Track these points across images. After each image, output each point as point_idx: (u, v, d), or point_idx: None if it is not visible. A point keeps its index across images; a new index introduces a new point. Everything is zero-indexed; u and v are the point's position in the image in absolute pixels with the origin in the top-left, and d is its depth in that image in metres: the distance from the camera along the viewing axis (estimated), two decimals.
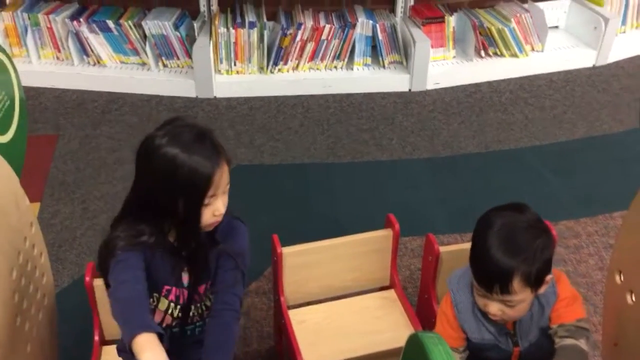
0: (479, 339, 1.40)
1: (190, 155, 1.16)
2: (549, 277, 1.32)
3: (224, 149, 1.23)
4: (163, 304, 1.31)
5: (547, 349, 1.38)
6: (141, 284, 1.19)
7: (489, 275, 1.27)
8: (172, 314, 1.32)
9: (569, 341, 1.33)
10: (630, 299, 1.43)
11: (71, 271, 2.15)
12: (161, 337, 1.09)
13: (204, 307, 1.35)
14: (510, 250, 1.25)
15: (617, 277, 1.49)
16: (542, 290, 1.32)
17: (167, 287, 1.30)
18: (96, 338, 1.59)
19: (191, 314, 1.34)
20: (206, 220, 1.23)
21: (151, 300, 1.30)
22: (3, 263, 1.24)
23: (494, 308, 1.30)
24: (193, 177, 1.16)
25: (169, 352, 1.18)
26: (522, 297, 1.28)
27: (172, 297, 1.31)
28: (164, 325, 1.33)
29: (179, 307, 1.32)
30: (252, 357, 1.89)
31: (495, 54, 3.40)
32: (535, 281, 1.27)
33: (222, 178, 1.20)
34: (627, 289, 1.44)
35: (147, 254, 1.24)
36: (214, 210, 1.22)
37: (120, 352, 1.40)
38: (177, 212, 1.19)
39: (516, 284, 1.25)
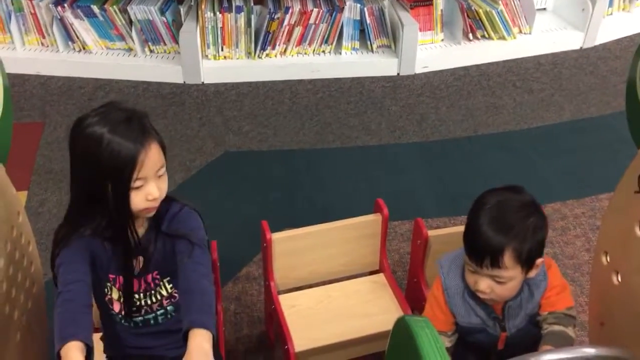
0: (467, 323, 1.41)
1: (114, 136, 1.14)
2: (539, 261, 1.32)
3: (156, 132, 1.20)
4: (115, 293, 1.30)
5: (532, 335, 1.39)
6: (79, 287, 1.20)
7: (480, 248, 1.27)
8: (119, 302, 1.31)
9: (557, 327, 1.35)
10: (616, 279, 1.45)
11: None
12: (89, 350, 1.11)
13: (159, 296, 1.32)
14: (503, 225, 1.26)
15: (604, 258, 1.50)
16: (532, 274, 1.33)
17: (111, 276, 1.28)
18: None
19: (142, 302, 1.31)
20: (139, 204, 1.19)
21: (106, 289, 1.30)
22: None
23: (484, 284, 1.30)
24: (116, 157, 1.14)
25: (134, 343, 1.25)
26: (512, 273, 1.28)
27: (119, 285, 1.29)
28: (123, 312, 1.31)
29: (129, 295, 1.30)
30: (243, 342, 1.90)
31: (484, 36, 3.40)
32: (526, 260, 1.28)
33: (150, 160, 1.16)
34: (613, 269, 1.46)
35: (92, 244, 1.23)
36: (147, 194, 1.18)
37: (103, 340, 1.41)
38: (107, 197, 1.17)
39: (507, 258, 1.26)
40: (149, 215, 1.24)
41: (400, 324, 0.95)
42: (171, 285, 1.31)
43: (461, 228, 1.68)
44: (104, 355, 1.41)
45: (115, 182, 1.16)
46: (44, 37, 3.18)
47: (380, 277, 1.79)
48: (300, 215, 2.30)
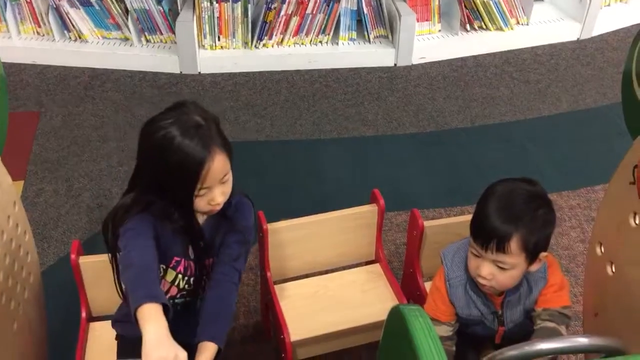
0: (467, 314, 1.42)
1: (184, 140, 1.16)
2: (543, 255, 1.32)
3: (224, 138, 1.23)
4: (170, 275, 1.31)
5: (529, 330, 1.40)
6: (152, 253, 1.20)
7: (489, 231, 1.27)
8: (178, 285, 1.33)
9: (550, 324, 1.35)
10: (610, 270, 1.46)
11: (57, 249, 2.15)
12: (166, 310, 1.09)
13: (206, 280, 1.36)
14: (514, 212, 1.27)
15: (598, 249, 1.51)
16: (534, 267, 1.33)
17: (176, 259, 1.30)
18: (83, 315, 1.59)
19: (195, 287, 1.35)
20: (202, 208, 1.24)
21: (158, 270, 1.30)
22: None
23: (486, 270, 1.30)
24: (184, 162, 1.16)
25: (171, 325, 1.20)
26: (515, 261, 1.28)
27: (180, 268, 1.31)
28: (167, 296, 1.33)
29: (186, 278, 1.33)
30: (240, 332, 1.91)
31: (481, 27, 3.39)
32: (532, 250, 1.28)
33: (216, 168, 1.19)
34: (607, 260, 1.47)
35: (157, 224, 1.24)
36: (210, 200, 1.23)
37: (115, 322, 1.41)
38: (172, 194, 1.21)
39: (514, 244, 1.25)
40: (211, 213, 1.28)
41: (394, 313, 0.96)
42: None
43: (457, 219, 1.69)
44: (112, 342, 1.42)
45: (181, 186, 1.19)
46: (39, 26, 3.17)
47: (376, 267, 1.80)
48: (297, 205, 2.31)
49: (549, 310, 1.38)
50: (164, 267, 1.31)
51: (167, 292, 1.33)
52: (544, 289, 1.39)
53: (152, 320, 1.06)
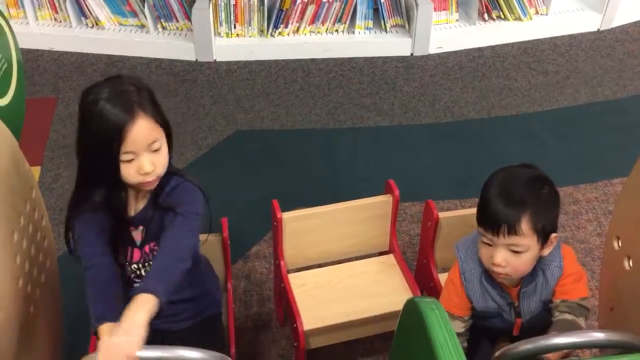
0: (484, 307, 1.40)
1: (107, 103, 1.16)
2: (554, 236, 1.31)
3: (155, 106, 1.21)
4: (121, 261, 1.33)
5: (547, 322, 1.38)
6: (100, 260, 1.23)
7: (498, 215, 1.26)
8: (131, 270, 1.34)
9: (569, 316, 1.34)
10: (627, 264, 1.44)
11: None
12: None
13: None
14: (519, 194, 1.27)
15: (615, 243, 1.50)
16: (546, 251, 1.32)
17: (123, 248, 1.32)
18: None
19: (142, 272, 1.35)
20: (132, 178, 1.20)
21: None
22: (4, 226, 1.25)
23: (499, 257, 1.28)
24: (104, 124, 1.16)
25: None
26: (528, 242, 1.26)
27: (128, 257, 1.33)
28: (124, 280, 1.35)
29: (135, 264, 1.34)
30: (253, 319, 1.92)
31: (499, 17, 3.35)
32: (541, 230, 1.27)
33: (140, 133, 1.17)
34: (624, 254, 1.45)
35: (100, 217, 1.25)
36: (138, 168, 1.19)
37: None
38: (99, 166, 1.20)
39: (524, 224, 1.25)
40: (148, 188, 1.25)
41: (410, 306, 0.95)
42: None
43: (472, 210, 1.67)
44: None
45: (102, 152, 1.17)
46: (56, 13, 3.18)
47: (390, 258, 1.80)
48: (311, 194, 2.31)
49: (567, 302, 1.36)
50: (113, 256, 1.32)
51: (123, 276, 1.34)
52: (561, 279, 1.37)
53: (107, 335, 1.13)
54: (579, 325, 1.33)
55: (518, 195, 1.27)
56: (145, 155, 1.19)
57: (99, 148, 1.17)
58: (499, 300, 1.39)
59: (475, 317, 1.43)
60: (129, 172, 1.20)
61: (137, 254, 1.33)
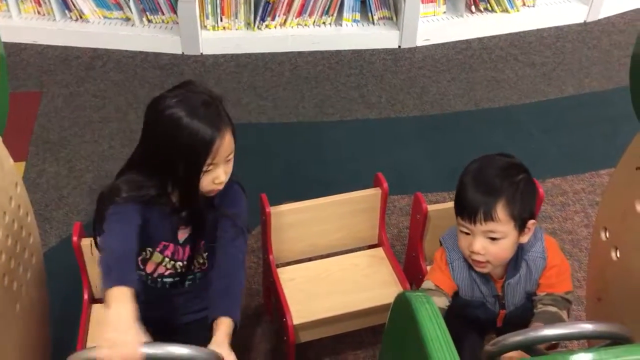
0: (470, 297, 1.42)
1: (193, 120, 1.18)
2: (531, 223, 1.33)
3: (229, 118, 1.25)
4: (157, 257, 1.33)
5: (530, 312, 1.39)
6: (131, 239, 1.20)
7: (474, 201, 1.28)
8: (165, 266, 1.35)
9: (552, 309, 1.35)
10: (614, 255, 1.45)
11: (59, 230, 2.14)
12: (138, 295, 1.11)
13: (196, 263, 1.38)
14: (494, 179, 1.29)
15: (603, 234, 1.51)
16: (524, 238, 1.33)
17: (164, 243, 1.32)
18: (85, 297, 1.59)
19: (183, 269, 1.36)
20: (206, 186, 1.24)
21: (144, 253, 1.33)
22: None
23: (478, 244, 1.30)
24: (194, 141, 1.18)
25: (155, 304, 1.24)
26: (505, 228, 1.28)
27: (168, 252, 1.33)
28: (155, 274, 1.36)
29: (172, 262, 1.34)
30: (241, 314, 1.90)
31: (486, 9, 3.35)
32: (518, 216, 1.28)
33: (224, 147, 1.21)
34: (611, 245, 1.46)
35: (146, 208, 1.25)
36: (214, 178, 1.23)
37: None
38: (178, 174, 1.21)
39: (500, 210, 1.26)
40: (212, 194, 1.28)
41: (401, 300, 0.95)
42: (206, 254, 1.36)
43: None
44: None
45: (188, 164, 1.20)
46: (40, 6, 3.13)
47: (379, 251, 1.80)
48: (300, 188, 2.30)
49: (552, 295, 1.38)
50: (151, 250, 1.33)
51: (155, 270, 1.35)
52: (545, 271, 1.38)
53: (118, 302, 1.07)
54: (561, 318, 1.34)
55: (493, 182, 1.29)
56: (222, 166, 1.24)
57: (185, 161, 1.19)
58: (485, 290, 1.40)
59: (460, 306, 1.43)
60: (205, 183, 1.23)
61: (180, 251, 1.33)
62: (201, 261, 1.38)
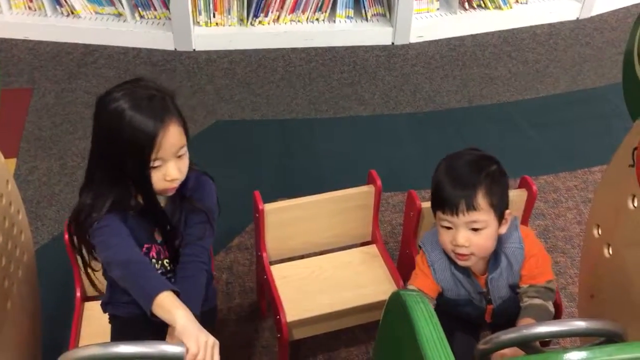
0: (456, 296, 1.42)
1: (135, 113, 1.15)
2: (507, 213, 1.35)
3: (179, 112, 1.21)
4: None
5: (517, 305, 1.40)
6: (134, 245, 1.22)
7: (453, 196, 1.30)
8: (154, 266, 1.33)
9: (538, 301, 1.37)
10: (607, 252, 1.46)
11: (50, 228, 2.13)
12: (177, 294, 1.13)
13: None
14: (472, 168, 1.32)
15: (595, 231, 1.51)
16: (503, 229, 1.35)
17: (146, 245, 1.31)
18: (78, 294, 1.58)
19: (169, 267, 1.35)
20: (157, 184, 1.21)
21: None
22: None
23: (461, 237, 1.30)
24: (135, 134, 1.15)
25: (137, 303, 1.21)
26: (486, 217, 1.30)
27: (152, 254, 1.32)
28: None
29: (160, 262, 1.33)
30: (235, 311, 1.90)
31: (480, 6, 3.35)
32: (497, 206, 1.31)
33: (169, 140, 1.17)
34: (604, 242, 1.47)
35: (122, 215, 1.25)
36: (164, 175, 1.20)
37: (106, 305, 1.41)
38: (128, 173, 1.19)
39: (480, 198, 1.29)
40: (169, 194, 1.26)
41: (395, 298, 0.95)
42: None
43: None
44: (107, 324, 1.42)
45: (134, 160, 1.17)
46: (31, 1, 3.11)
47: (373, 248, 1.79)
48: (293, 185, 2.29)
49: (535, 286, 1.39)
50: None
51: None
52: (525, 261, 1.39)
53: (180, 307, 1.10)
54: (548, 309, 1.36)
55: (470, 174, 1.31)
56: (172, 161, 1.20)
57: (130, 156, 1.16)
58: (469, 287, 1.41)
59: (448, 306, 1.44)
60: (155, 179, 1.20)
61: (162, 249, 1.32)
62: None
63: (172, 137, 1.18)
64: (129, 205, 1.25)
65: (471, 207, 1.29)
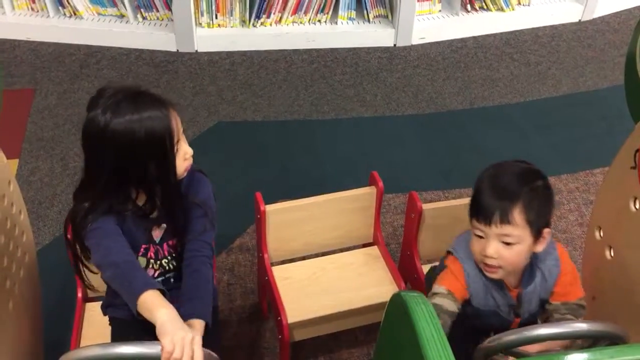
0: (483, 305, 1.37)
1: (141, 118, 1.16)
2: (546, 231, 1.30)
3: (163, 96, 1.23)
4: (142, 261, 1.33)
5: (542, 318, 1.38)
6: (126, 246, 1.22)
7: (490, 205, 1.25)
8: (153, 268, 1.34)
9: (570, 317, 1.34)
10: (609, 254, 1.46)
11: (52, 228, 2.13)
12: (164, 293, 1.12)
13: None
14: (512, 182, 1.27)
15: (597, 233, 1.51)
16: (539, 247, 1.30)
17: (144, 246, 1.31)
18: (79, 295, 1.59)
19: (170, 266, 1.35)
20: (180, 166, 1.24)
21: None
22: None
23: (492, 248, 1.26)
24: (154, 134, 1.16)
25: None
26: (520, 233, 1.25)
27: (150, 254, 1.32)
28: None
29: (159, 262, 1.33)
30: (237, 312, 1.90)
31: (482, 8, 3.35)
32: (534, 222, 1.26)
33: (178, 122, 1.21)
34: (606, 244, 1.47)
35: (118, 217, 1.25)
36: (184, 154, 1.23)
37: (106, 307, 1.41)
38: (149, 175, 1.19)
39: (516, 214, 1.24)
40: (185, 174, 1.27)
41: (396, 300, 0.95)
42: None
43: (456, 202, 1.68)
44: (106, 325, 1.42)
45: (158, 156, 1.18)
46: (33, 2, 3.11)
47: (374, 249, 1.79)
48: (295, 186, 2.29)
49: (567, 304, 1.36)
50: (135, 256, 1.31)
51: None
52: (560, 277, 1.36)
53: (162, 305, 1.09)
54: None
55: (511, 186, 1.27)
56: (182, 140, 1.23)
57: (154, 156, 1.18)
58: (500, 299, 1.37)
59: (470, 315, 1.39)
60: (179, 163, 1.23)
61: (160, 249, 1.33)
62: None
63: (177, 118, 1.22)
64: (128, 208, 1.25)
65: (505, 220, 1.24)
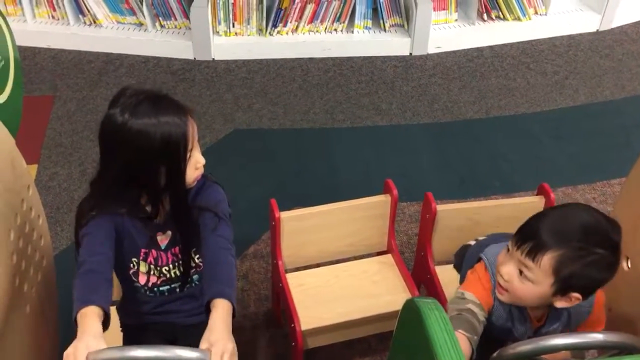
0: (500, 325, 1.32)
1: (159, 122, 1.16)
2: (575, 296, 1.20)
3: (183, 103, 1.23)
4: (143, 266, 1.33)
5: None
6: (104, 259, 1.20)
7: (531, 233, 1.18)
8: (155, 275, 1.34)
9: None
10: (626, 265, 1.44)
11: (70, 233, 2.16)
12: (106, 317, 1.11)
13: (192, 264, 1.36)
14: (569, 231, 1.16)
15: None
16: (560, 303, 1.22)
17: (144, 251, 1.31)
18: None
19: (171, 274, 1.35)
20: (190, 175, 1.23)
21: (132, 265, 1.33)
22: (0, 224, 1.24)
23: (507, 268, 1.21)
24: (169, 140, 1.16)
25: (155, 310, 1.30)
26: (540, 277, 1.18)
27: (150, 259, 1.32)
28: (150, 284, 1.35)
29: (158, 268, 1.33)
30: (250, 319, 1.91)
31: (498, 17, 3.35)
32: (563, 279, 1.16)
33: (194, 130, 1.21)
34: (623, 255, 1.45)
35: (120, 221, 1.25)
36: (195, 163, 1.23)
37: (117, 310, 1.42)
38: (159, 180, 1.20)
39: (547, 259, 1.16)
40: (194, 183, 1.27)
41: (409, 306, 0.95)
42: (197, 255, 1.34)
43: (470, 204, 1.68)
44: (119, 330, 1.44)
45: (171, 161, 1.18)
46: (54, 10, 3.17)
47: (388, 257, 1.79)
48: (309, 194, 2.30)
49: None
50: (137, 260, 1.32)
51: (148, 281, 1.34)
52: (586, 321, 1.33)
53: (81, 324, 1.08)
54: None
55: (565, 232, 1.16)
56: (196, 149, 1.23)
57: (167, 161, 1.18)
58: (519, 326, 1.32)
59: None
60: (189, 172, 1.23)
61: (163, 257, 1.32)
62: (192, 264, 1.36)
63: (194, 126, 1.21)
64: (131, 209, 1.25)
65: (532, 254, 1.17)
